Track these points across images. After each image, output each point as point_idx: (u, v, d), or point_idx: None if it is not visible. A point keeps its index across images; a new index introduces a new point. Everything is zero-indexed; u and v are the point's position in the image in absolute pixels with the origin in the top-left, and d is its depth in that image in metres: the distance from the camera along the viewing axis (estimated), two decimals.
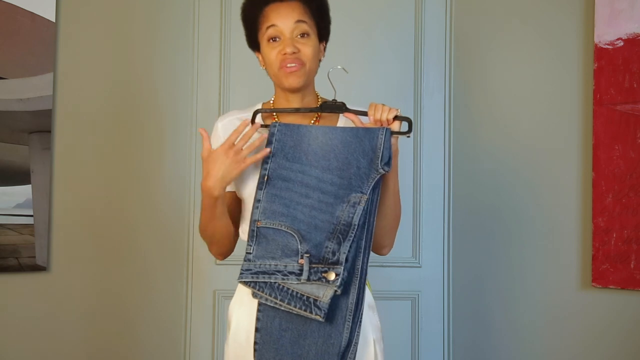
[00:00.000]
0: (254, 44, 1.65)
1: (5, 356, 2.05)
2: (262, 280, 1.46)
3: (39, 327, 2.15)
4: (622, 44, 2.17)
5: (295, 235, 1.47)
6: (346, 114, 1.57)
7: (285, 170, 1.52)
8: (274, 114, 1.64)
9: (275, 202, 1.50)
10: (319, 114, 1.64)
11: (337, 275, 1.41)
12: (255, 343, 1.48)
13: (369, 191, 1.47)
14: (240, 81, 2.65)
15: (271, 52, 1.57)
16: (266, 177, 1.52)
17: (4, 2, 2.06)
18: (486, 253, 2.51)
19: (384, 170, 1.48)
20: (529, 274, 2.38)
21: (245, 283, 1.49)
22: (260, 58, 1.64)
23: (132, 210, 2.45)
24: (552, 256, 2.32)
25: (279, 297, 1.45)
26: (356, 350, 1.45)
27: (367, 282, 1.64)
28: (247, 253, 1.50)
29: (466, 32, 2.64)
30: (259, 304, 1.49)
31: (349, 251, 1.43)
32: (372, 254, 1.68)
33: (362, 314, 1.47)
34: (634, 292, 2.13)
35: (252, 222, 1.51)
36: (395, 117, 1.53)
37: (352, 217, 1.45)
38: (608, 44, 2.20)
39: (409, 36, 2.68)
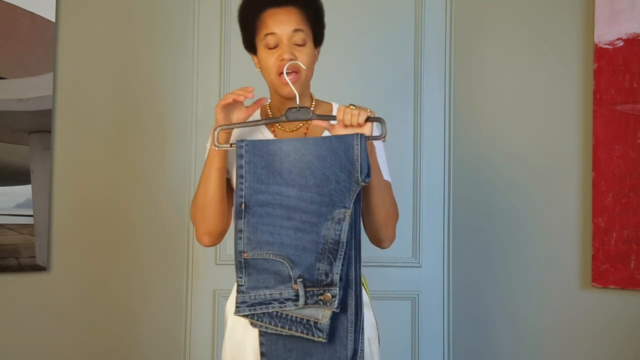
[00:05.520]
0: (250, 46, 1.65)
1: (6, 356, 2.05)
2: (260, 311, 1.45)
3: (39, 327, 2.14)
4: (622, 44, 2.17)
5: (285, 262, 1.44)
6: (315, 121, 1.52)
7: (261, 195, 1.46)
8: (267, 105, 1.65)
9: (258, 231, 1.45)
10: (312, 106, 1.63)
11: (333, 296, 1.40)
12: None
13: (351, 205, 1.43)
14: (240, 81, 2.63)
15: (269, 58, 1.56)
16: (243, 204, 1.46)
17: (4, 2, 2.06)
18: (486, 253, 2.51)
19: (364, 182, 1.42)
20: (529, 273, 2.38)
21: (244, 316, 1.47)
22: (256, 60, 1.64)
23: (132, 210, 2.45)
24: (552, 256, 2.32)
25: (279, 325, 1.44)
26: (363, 357, 1.45)
27: (364, 280, 1.64)
28: (238, 285, 1.47)
29: (466, 32, 2.64)
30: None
31: (341, 270, 1.41)
32: (371, 252, 1.68)
33: (363, 320, 1.46)
34: (634, 292, 2.13)
35: (238, 253, 1.47)
36: (368, 119, 1.46)
37: (340, 235, 1.42)
38: (608, 44, 2.19)
39: (409, 36, 2.68)
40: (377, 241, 1.63)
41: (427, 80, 2.67)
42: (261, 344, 1.48)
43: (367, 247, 1.66)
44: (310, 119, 1.51)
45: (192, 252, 2.64)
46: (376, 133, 1.49)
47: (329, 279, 1.41)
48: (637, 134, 2.13)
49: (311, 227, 1.43)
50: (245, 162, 1.46)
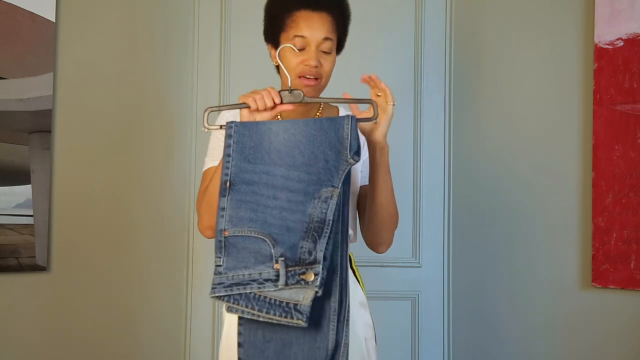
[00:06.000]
0: (271, 39, 1.63)
1: (5, 356, 2.05)
2: (237, 292, 1.37)
3: (39, 327, 2.14)
4: (622, 44, 2.17)
5: (267, 240, 1.38)
6: (344, 94, 1.52)
7: (247, 174, 1.42)
8: (278, 115, 1.63)
9: (241, 208, 1.40)
10: (320, 109, 1.64)
11: (315, 275, 1.33)
12: (239, 359, 1.42)
13: (340, 184, 1.38)
14: (240, 81, 2.65)
15: (293, 59, 1.56)
16: (228, 182, 1.42)
17: (4, 2, 2.06)
18: (486, 253, 2.51)
19: (354, 160, 1.39)
20: (529, 273, 2.38)
21: (219, 298, 1.39)
22: (274, 54, 1.63)
23: (132, 210, 2.45)
24: (552, 256, 2.32)
25: (257, 308, 1.35)
26: (347, 352, 1.39)
27: (360, 280, 1.64)
28: (216, 266, 1.40)
29: (466, 32, 2.64)
30: (240, 318, 1.42)
31: (325, 249, 1.34)
32: (371, 252, 1.67)
33: (348, 312, 1.41)
34: (634, 292, 2.12)
35: (219, 232, 1.41)
36: (361, 100, 1.49)
37: (326, 213, 1.36)
38: (608, 44, 2.19)
39: (409, 36, 2.68)
40: (375, 245, 1.63)
41: (427, 80, 2.67)
42: (239, 333, 1.42)
43: (367, 246, 1.67)
44: (302, 102, 1.50)
45: (192, 252, 2.64)
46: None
47: (312, 257, 1.35)
48: (637, 134, 2.13)
49: (297, 206, 1.39)
50: (233, 142, 1.44)
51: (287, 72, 1.54)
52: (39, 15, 2.15)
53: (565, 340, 2.29)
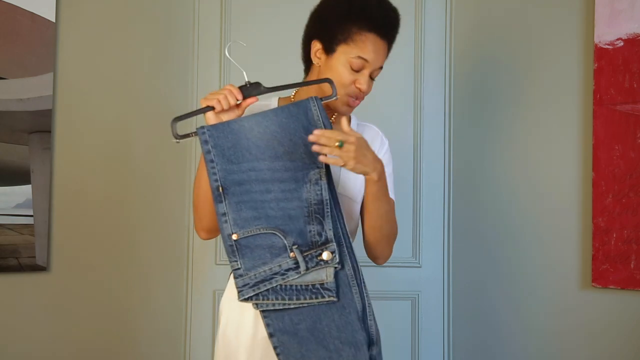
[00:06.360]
0: (325, 40, 1.58)
1: (5, 356, 2.05)
2: (264, 288, 1.43)
3: (39, 327, 2.14)
4: (622, 44, 2.17)
5: (277, 233, 1.44)
6: (343, 117, 1.54)
7: (235, 174, 1.45)
8: (291, 96, 1.67)
9: (242, 209, 1.45)
10: (333, 117, 1.66)
11: (332, 253, 1.42)
12: (275, 347, 1.44)
13: (323, 164, 1.45)
14: (240, 81, 2.64)
15: (347, 75, 1.56)
16: (220, 187, 1.45)
17: (4, 2, 2.06)
18: (486, 253, 2.51)
19: None
20: (529, 273, 2.38)
21: (248, 299, 1.44)
22: (321, 55, 1.59)
23: (132, 210, 2.45)
24: (552, 256, 2.32)
25: (287, 297, 1.42)
26: (373, 311, 1.47)
27: None
28: (235, 270, 1.44)
29: (466, 33, 2.64)
30: (262, 311, 1.45)
31: (332, 226, 1.43)
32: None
33: (362, 274, 1.48)
34: (634, 292, 2.12)
35: (227, 237, 1.44)
36: (319, 80, 1.53)
37: (321, 194, 1.44)
38: (608, 44, 2.19)
39: (409, 36, 2.68)
40: (373, 257, 1.67)
41: (427, 81, 2.67)
42: (267, 325, 1.44)
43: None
44: (261, 93, 1.52)
45: (192, 252, 2.64)
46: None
47: (323, 238, 1.43)
48: (637, 134, 2.13)
49: (291, 194, 1.45)
50: (211, 147, 1.46)
51: (334, 84, 1.54)
52: (39, 15, 2.14)
53: (565, 340, 2.29)
